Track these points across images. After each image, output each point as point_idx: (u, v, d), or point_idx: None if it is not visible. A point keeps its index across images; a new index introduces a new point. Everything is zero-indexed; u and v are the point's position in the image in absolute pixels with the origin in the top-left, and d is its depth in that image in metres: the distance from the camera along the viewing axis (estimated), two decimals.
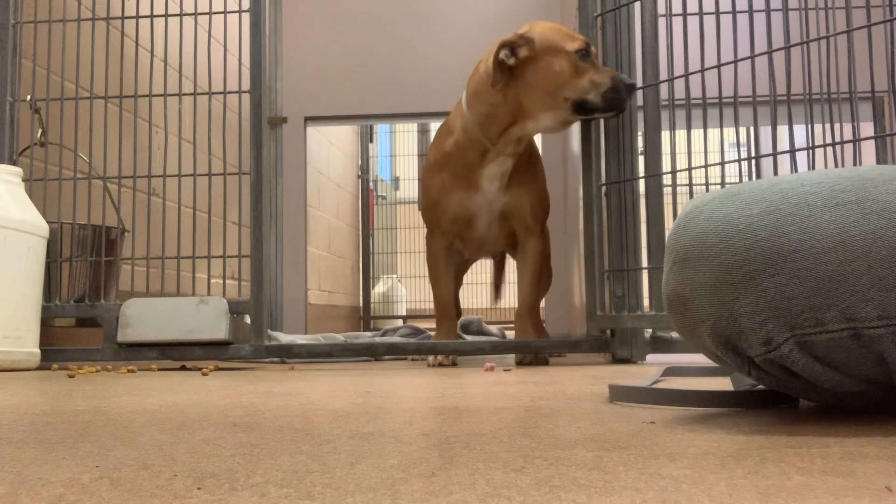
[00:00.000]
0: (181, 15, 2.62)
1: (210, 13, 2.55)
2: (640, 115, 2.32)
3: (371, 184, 6.81)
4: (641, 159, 2.32)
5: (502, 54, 2.23)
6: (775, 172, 2.04)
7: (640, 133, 2.33)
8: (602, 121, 2.33)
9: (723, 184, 2.19)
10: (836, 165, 1.92)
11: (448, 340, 2.43)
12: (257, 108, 2.45)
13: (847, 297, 0.83)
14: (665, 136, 2.26)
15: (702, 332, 0.95)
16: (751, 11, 2.10)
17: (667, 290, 1.00)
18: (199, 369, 2.15)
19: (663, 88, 2.29)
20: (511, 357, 2.47)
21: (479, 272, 4.07)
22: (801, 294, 0.85)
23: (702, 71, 2.13)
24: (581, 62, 2.20)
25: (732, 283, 0.89)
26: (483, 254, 2.82)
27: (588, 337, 2.35)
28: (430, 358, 2.32)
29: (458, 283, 2.95)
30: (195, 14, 2.63)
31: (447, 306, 2.48)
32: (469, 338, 2.95)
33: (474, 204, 2.38)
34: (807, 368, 0.88)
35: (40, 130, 2.50)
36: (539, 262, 2.46)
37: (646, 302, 2.29)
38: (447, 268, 2.48)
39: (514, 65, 2.24)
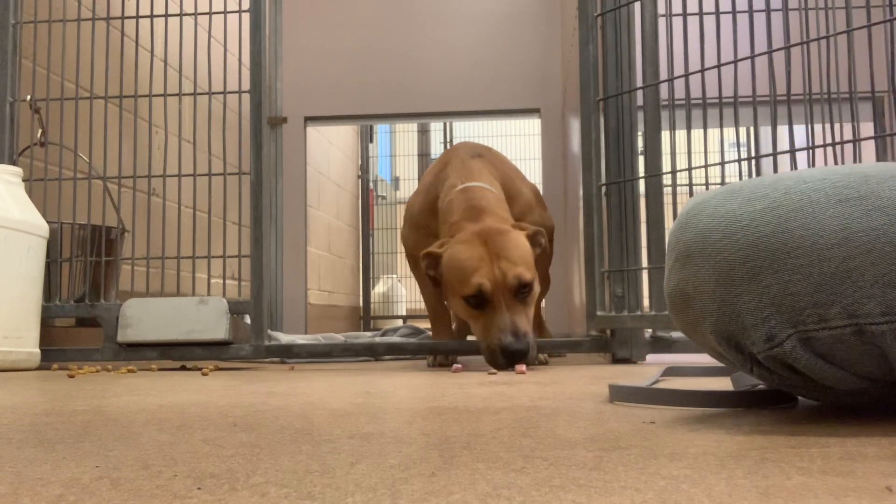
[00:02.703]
0: (181, 15, 2.62)
1: (210, 13, 2.55)
2: (641, 115, 2.32)
3: (371, 184, 6.82)
4: (641, 159, 2.32)
5: (424, 264, 2.17)
6: (775, 172, 2.04)
7: (640, 133, 2.33)
8: (602, 121, 2.33)
9: (723, 184, 2.19)
10: (837, 165, 1.92)
11: (448, 340, 2.43)
12: (257, 108, 2.45)
13: (850, 293, 0.83)
14: (665, 136, 2.26)
15: (704, 329, 0.95)
16: (751, 11, 2.10)
17: (669, 287, 1.00)
18: (199, 369, 2.15)
19: (663, 88, 2.29)
20: None
21: None
22: (804, 290, 0.85)
23: (702, 71, 2.12)
24: (473, 309, 2.01)
25: (735, 280, 0.89)
26: None
27: (588, 337, 2.35)
28: (430, 358, 2.32)
29: None
30: (195, 14, 2.63)
31: (437, 310, 2.49)
32: (470, 338, 2.94)
33: None
34: (809, 365, 0.87)
35: (40, 130, 2.50)
36: (542, 265, 2.48)
37: (646, 302, 2.29)
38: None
39: (436, 276, 2.16)
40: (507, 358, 1.94)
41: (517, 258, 2.01)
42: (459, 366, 2.06)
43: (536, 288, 2.07)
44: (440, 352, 2.31)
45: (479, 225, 2.09)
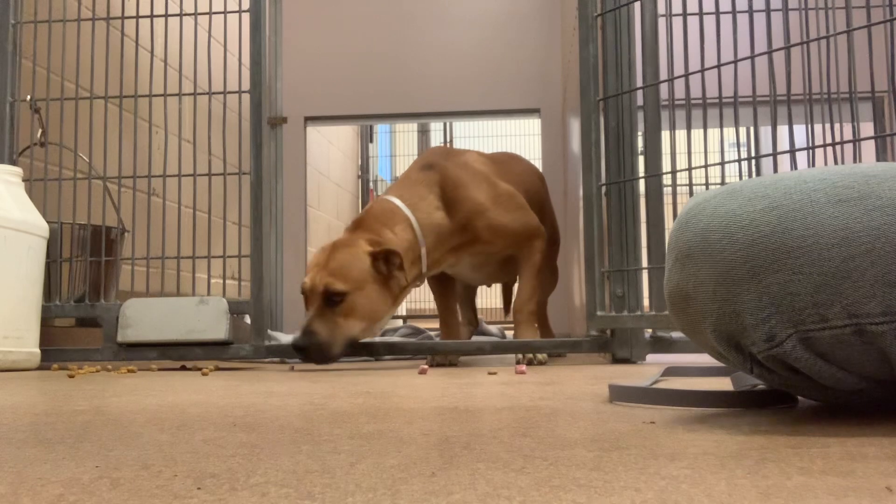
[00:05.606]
0: (181, 15, 2.62)
1: (210, 13, 2.55)
2: (641, 115, 2.32)
3: (371, 184, 6.82)
4: (641, 159, 2.32)
5: None
6: (775, 172, 2.04)
7: (640, 133, 2.33)
8: (602, 121, 2.33)
9: (723, 184, 2.19)
10: (837, 165, 1.92)
11: (448, 340, 2.43)
12: (257, 108, 2.45)
13: (850, 293, 0.83)
14: (665, 136, 2.26)
15: (704, 329, 0.95)
16: (751, 11, 2.10)
17: (669, 287, 1.00)
18: (199, 369, 2.15)
19: (663, 88, 2.29)
20: (511, 357, 2.47)
21: None
22: (805, 290, 0.85)
23: (702, 71, 2.12)
24: (306, 309, 2.18)
25: (735, 280, 0.89)
26: (489, 283, 2.85)
27: (588, 337, 2.35)
28: (430, 358, 2.33)
29: (469, 290, 2.96)
30: (195, 14, 2.63)
31: (445, 313, 2.54)
32: (475, 338, 2.94)
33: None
34: (809, 365, 0.87)
35: (40, 130, 2.51)
36: (537, 259, 2.44)
37: (646, 302, 2.29)
38: (441, 283, 2.56)
39: None
40: (295, 351, 2.12)
41: (335, 269, 2.15)
42: (425, 367, 2.06)
43: (358, 300, 2.15)
44: (440, 352, 2.32)
45: (343, 237, 2.24)
